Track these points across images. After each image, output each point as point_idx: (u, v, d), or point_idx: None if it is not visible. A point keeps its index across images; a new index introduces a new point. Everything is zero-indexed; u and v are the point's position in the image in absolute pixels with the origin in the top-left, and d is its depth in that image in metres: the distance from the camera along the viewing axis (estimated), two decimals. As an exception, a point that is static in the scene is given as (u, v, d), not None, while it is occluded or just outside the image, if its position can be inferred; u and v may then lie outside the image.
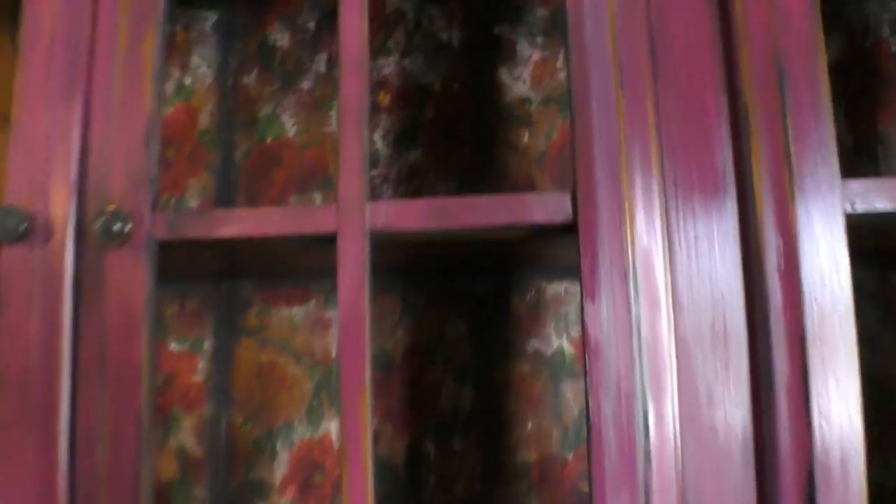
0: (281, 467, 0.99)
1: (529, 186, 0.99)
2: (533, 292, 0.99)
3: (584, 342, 0.57)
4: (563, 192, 0.59)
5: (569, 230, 0.59)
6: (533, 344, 0.98)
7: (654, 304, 0.56)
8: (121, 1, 0.70)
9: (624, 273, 0.57)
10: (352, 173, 0.62)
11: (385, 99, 1.04)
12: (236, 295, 1.04)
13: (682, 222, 0.57)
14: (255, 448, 0.99)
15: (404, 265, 0.94)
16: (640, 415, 0.56)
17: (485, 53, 1.03)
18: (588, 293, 0.57)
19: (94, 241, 0.66)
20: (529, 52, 1.02)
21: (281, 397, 1.00)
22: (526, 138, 1.01)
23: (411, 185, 1.02)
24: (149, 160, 0.67)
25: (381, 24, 1.06)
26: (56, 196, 0.67)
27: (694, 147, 0.58)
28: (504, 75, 1.02)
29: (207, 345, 1.02)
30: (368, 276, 0.61)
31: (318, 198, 1.03)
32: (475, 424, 0.97)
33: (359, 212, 0.61)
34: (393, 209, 0.61)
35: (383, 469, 0.98)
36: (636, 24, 0.59)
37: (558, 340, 0.97)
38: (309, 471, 0.99)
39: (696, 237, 0.57)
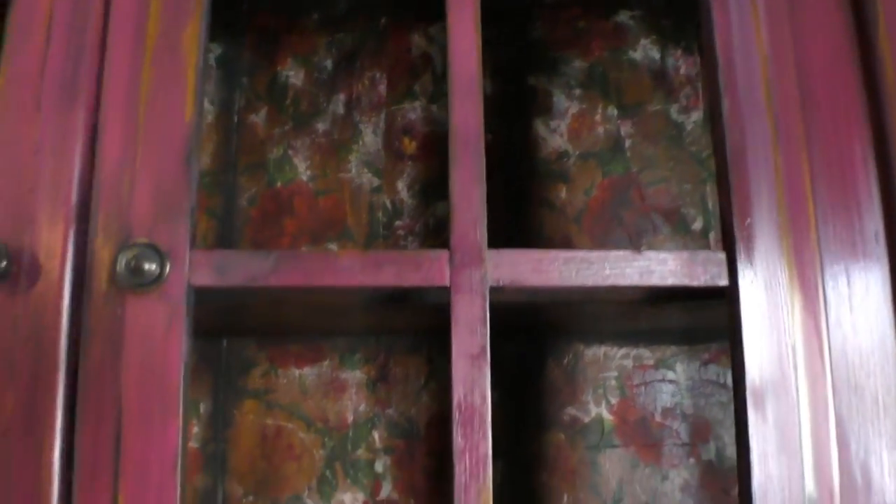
0: (290, 548, 0.88)
1: (567, 245, 0.94)
2: (570, 356, 0.93)
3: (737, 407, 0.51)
4: (716, 252, 0.53)
5: (716, 295, 0.54)
6: (569, 412, 0.91)
7: (816, 379, 0.51)
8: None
9: (786, 344, 0.51)
10: (468, 214, 0.54)
11: (410, 146, 0.98)
12: (238, 353, 0.94)
13: (835, 284, 0.53)
14: (261, 526, 0.88)
15: (432, 324, 0.86)
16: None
17: (519, 104, 0.98)
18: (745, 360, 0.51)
19: (108, 285, 0.52)
20: (567, 105, 0.98)
21: (288, 467, 0.91)
22: (563, 194, 0.96)
23: (438, 239, 0.95)
24: (189, 184, 0.55)
25: (407, 67, 1.00)
26: (48, 225, 0.53)
27: (846, 208, 0.54)
28: (540, 127, 0.97)
29: (203, 408, 0.92)
30: (488, 345, 0.53)
31: (334, 250, 0.95)
32: (506, 499, 0.89)
33: (478, 262, 0.53)
34: (522, 260, 0.53)
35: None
36: (786, 75, 0.55)
37: (597, 409, 0.91)
38: (322, 552, 0.89)
39: (849, 303, 0.53)
